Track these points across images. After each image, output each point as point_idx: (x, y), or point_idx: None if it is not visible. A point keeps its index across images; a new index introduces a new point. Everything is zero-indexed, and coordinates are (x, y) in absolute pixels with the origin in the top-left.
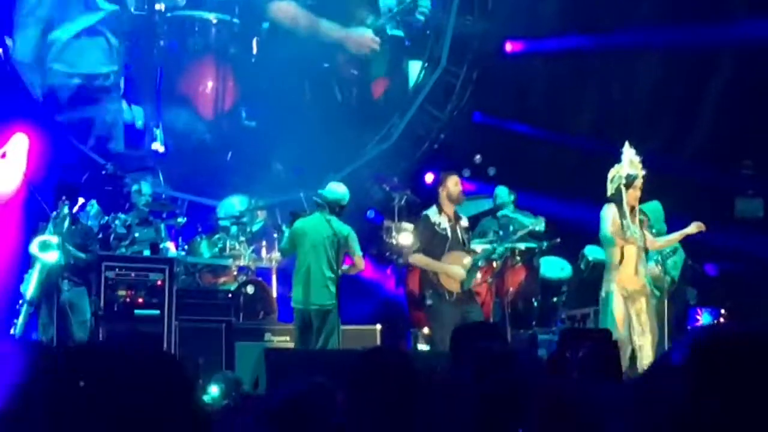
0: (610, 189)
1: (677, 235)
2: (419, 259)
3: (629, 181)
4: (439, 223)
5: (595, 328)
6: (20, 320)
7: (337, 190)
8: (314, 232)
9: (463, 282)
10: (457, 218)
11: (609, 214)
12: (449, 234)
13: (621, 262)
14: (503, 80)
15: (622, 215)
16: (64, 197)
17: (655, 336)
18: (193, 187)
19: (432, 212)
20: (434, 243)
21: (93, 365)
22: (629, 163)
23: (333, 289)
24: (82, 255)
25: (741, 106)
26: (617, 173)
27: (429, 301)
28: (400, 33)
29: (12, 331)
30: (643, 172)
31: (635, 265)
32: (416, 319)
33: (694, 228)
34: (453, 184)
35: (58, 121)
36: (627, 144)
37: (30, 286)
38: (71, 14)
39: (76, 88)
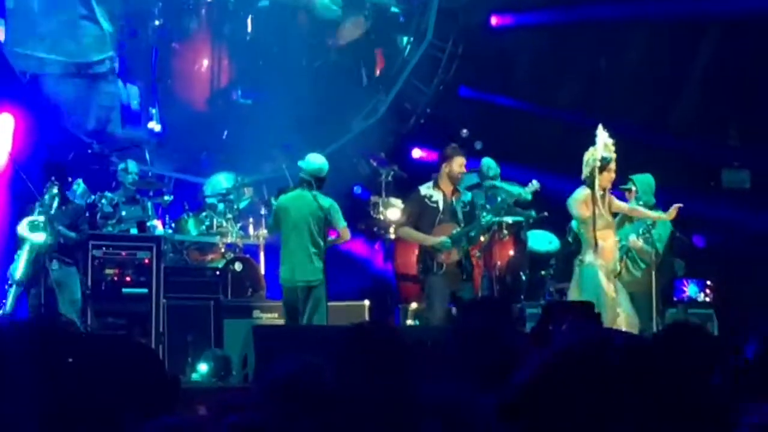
0: (585, 172)
1: (654, 215)
2: (404, 232)
3: (603, 165)
4: (431, 196)
5: (578, 301)
6: (9, 301)
7: (314, 161)
8: (295, 208)
9: (451, 251)
10: (455, 192)
11: (580, 198)
12: (440, 207)
13: (596, 242)
14: (489, 54)
15: (594, 200)
16: (52, 177)
17: (629, 315)
18: (191, 166)
19: (425, 186)
20: (424, 216)
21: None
22: (603, 146)
23: (318, 264)
24: (71, 234)
25: (727, 77)
26: (591, 156)
27: (421, 275)
28: (397, 9)
29: (0, 312)
30: (615, 155)
31: (612, 246)
32: (404, 295)
33: (673, 213)
34: (458, 165)
35: (43, 101)
36: (600, 127)
37: (19, 267)
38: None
39: (71, 74)
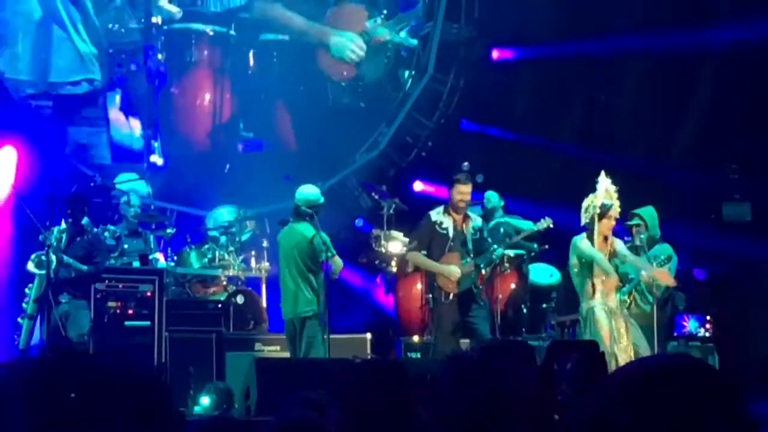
0: (584, 218)
1: (642, 266)
2: (415, 257)
3: (603, 211)
4: (441, 223)
5: (583, 340)
6: (23, 335)
7: (306, 191)
8: (284, 241)
9: (459, 283)
10: (466, 219)
11: (580, 246)
12: (450, 234)
13: (594, 289)
14: (490, 87)
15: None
16: (69, 210)
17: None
18: (193, 199)
19: (435, 212)
20: (434, 243)
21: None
22: (604, 192)
23: (309, 295)
24: (83, 267)
25: (727, 110)
26: (591, 203)
27: (429, 304)
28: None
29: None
30: (618, 202)
31: (612, 289)
32: (406, 327)
33: (664, 275)
34: (457, 193)
35: (45, 134)
36: (603, 173)
37: (31, 302)
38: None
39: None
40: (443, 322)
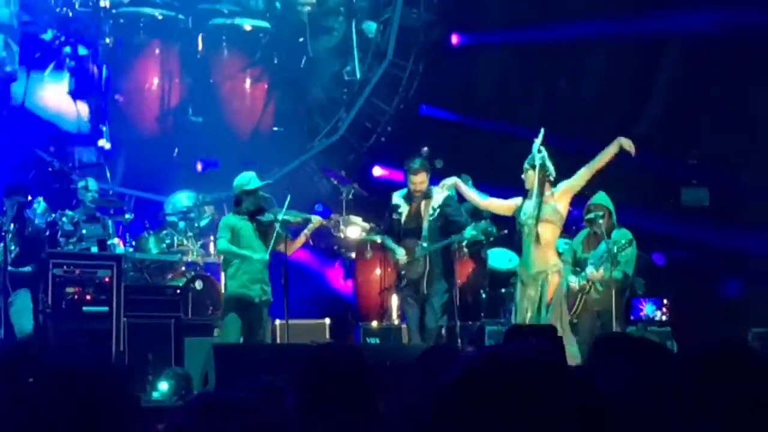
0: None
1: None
2: (377, 238)
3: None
4: (398, 206)
5: (540, 325)
6: None
7: (238, 177)
8: None
9: (406, 267)
10: (424, 201)
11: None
12: (402, 219)
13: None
14: (449, 73)
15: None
16: (12, 197)
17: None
18: (140, 183)
19: (398, 193)
20: (392, 225)
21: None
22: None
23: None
24: (26, 269)
25: (686, 96)
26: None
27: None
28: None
29: None
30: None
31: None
32: (365, 313)
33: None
34: (409, 183)
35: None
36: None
37: None
38: None
39: None
40: (404, 305)
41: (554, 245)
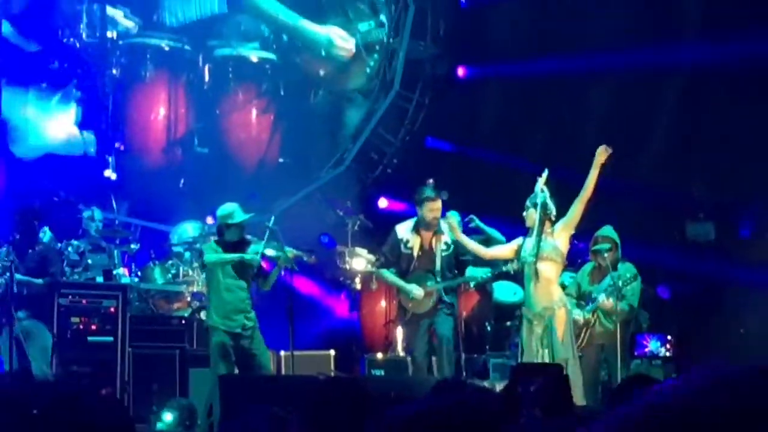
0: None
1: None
2: (378, 274)
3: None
4: (407, 241)
5: (547, 363)
6: None
7: (221, 207)
8: None
9: (419, 303)
10: (436, 236)
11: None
12: (414, 253)
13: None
14: (455, 105)
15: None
16: (17, 224)
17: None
18: (146, 213)
19: (404, 228)
20: (400, 261)
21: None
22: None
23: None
24: (36, 281)
25: (692, 129)
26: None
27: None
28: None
29: None
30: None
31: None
32: (370, 344)
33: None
34: (428, 210)
35: (9, 149)
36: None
37: None
38: None
39: None
40: (410, 342)
41: (557, 282)
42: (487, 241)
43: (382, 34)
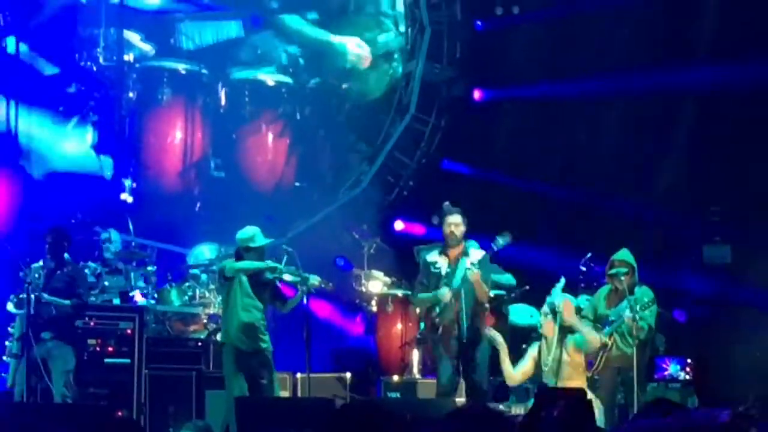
0: None
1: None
2: (417, 301)
3: None
4: (435, 262)
5: (569, 387)
6: (10, 374)
7: (242, 231)
8: None
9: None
10: (461, 255)
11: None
12: (442, 271)
13: None
14: (471, 127)
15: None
16: (48, 242)
17: None
18: (162, 236)
19: (429, 251)
20: (431, 281)
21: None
22: None
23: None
24: (64, 302)
25: (707, 151)
26: None
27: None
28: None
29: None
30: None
31: None
32: (386, 367)
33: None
34: (446, 225)
35: (27, 171)
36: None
37: (14, 341)
38: None
39: None
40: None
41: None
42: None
43: (402, 42)
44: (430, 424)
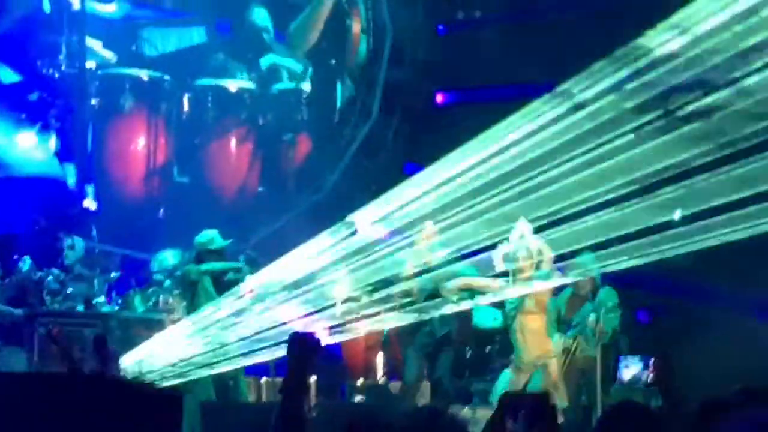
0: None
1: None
2: None
3: None
4: None
5: (533, 393)
6: None
7: (200, 235)
8: None
9: None
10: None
11: None
12: None
13: None
14: (434, 131)
15: None
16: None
17: None
18: (126, 243)
19: None
20: None
21: None
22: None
23: None
24: (15, 312)
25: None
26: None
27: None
28: None
29: None
30: None
31: None
32: (351, 370)
33: None
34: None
35: None
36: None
37: None
38: None
39: None
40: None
41: (546, 332)
42: None
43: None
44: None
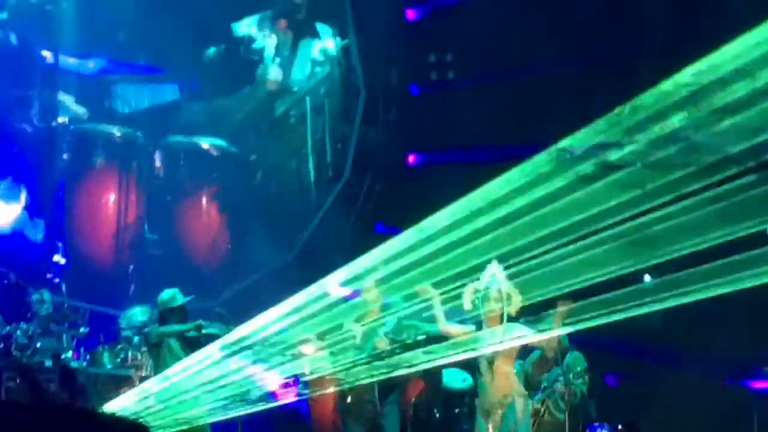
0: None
1: None
2: None
3: None
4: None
5: None
6: None
7: (161, 294)
8: None
9: None
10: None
11: None
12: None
13: None
14: (406, 191)
15: None
16: None
17: None
18: (95, 298)
19: None
20: None
21: None
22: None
23: None
24: None
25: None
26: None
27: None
28: None
29: None
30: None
31: None
32: (319, 429)
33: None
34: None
35: None
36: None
37: None
38: None
39: None
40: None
41: (512, 372)
42: None
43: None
44: None
